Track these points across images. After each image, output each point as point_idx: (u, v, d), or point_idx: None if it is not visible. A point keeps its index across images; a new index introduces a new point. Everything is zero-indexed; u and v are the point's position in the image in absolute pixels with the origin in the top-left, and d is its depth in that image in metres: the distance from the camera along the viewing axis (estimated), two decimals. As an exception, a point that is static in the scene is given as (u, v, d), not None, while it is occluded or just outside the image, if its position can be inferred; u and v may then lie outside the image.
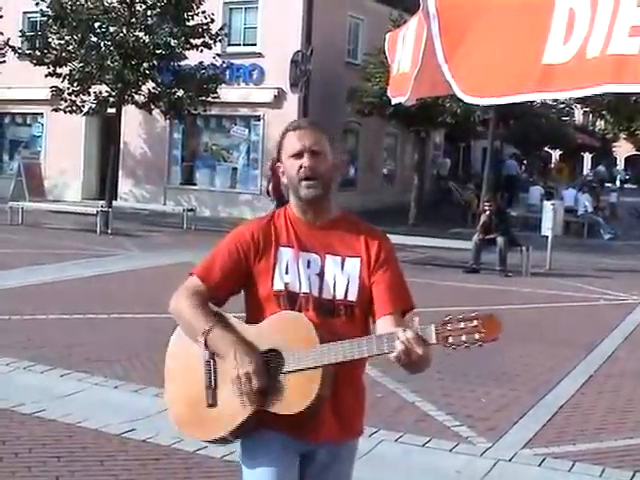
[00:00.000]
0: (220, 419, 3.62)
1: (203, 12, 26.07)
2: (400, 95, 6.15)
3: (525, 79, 4.43)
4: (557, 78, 4.28)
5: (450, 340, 3.33)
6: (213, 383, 3.62)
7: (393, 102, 6.75)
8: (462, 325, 3.33)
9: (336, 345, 3.48)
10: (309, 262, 3.72)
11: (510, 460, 7.22)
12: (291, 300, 3.67)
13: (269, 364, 3.55)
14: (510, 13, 4.54)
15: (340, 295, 3.70)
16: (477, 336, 3.31)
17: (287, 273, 3.70)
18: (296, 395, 3.51)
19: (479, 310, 3.40)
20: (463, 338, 3.32)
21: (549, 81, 4.32)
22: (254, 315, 3.74)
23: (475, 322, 3.32)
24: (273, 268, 3.71)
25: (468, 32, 4.68)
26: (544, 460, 7.24)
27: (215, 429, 3.66)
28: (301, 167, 3.67)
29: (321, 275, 3.72)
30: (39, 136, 35.68)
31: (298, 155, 3.69)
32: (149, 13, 25.84)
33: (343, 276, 3.71)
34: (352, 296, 3.70)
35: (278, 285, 3.69)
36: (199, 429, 3.73)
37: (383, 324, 3.65)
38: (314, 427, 3.64)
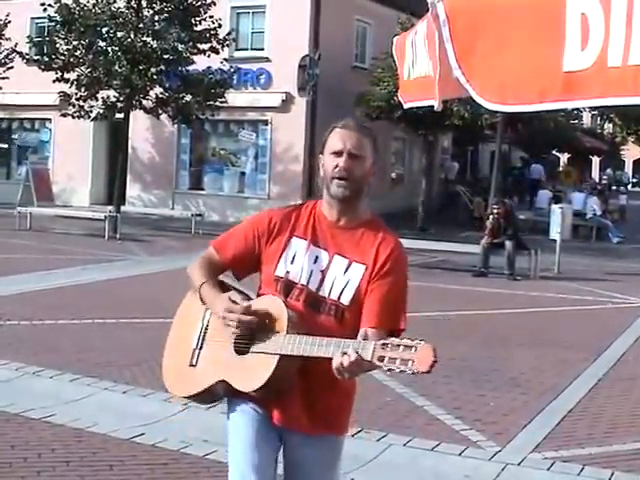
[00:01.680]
0: (195, 380, 3.85)
1: (211, 17, 26.12)
2: (417, 99, 6.13)
3: (548, 87, 4.39)
4: (580, 86, 4.25)
5: (385, 362, 3.31)
6: (200, 344, 3.87)
7: (406, 107, 6.74)
8: (399, 350, 3.29)
9: (298, 338, 3.56)
10: (317, 257, 3.81)
11: (519, 464, 7.21)
12: (287, 288, 3.80)
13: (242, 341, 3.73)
14: (522, 18, 4.50)
15: (334, 296, 3.76)
16: (409, 364, 3.26)
17: (292, 263, 3.82)
18: (251, 376, 3.65)
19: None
20: (397, 363, 3.28)
21: (572, 90, 4.29)
22: (258, 294, 3.91)
23: (412, 350, 3.27)
24: (280, 254, 3.84)
25: (480, 37, 4.66)
26: (553, 464, 7.22)
27: (189, 388, 3.89)
28: (337, 166, 3.74)
29: (324, 272, 3.79)
30: (47, 141, 35.76)
31: (337, 154, 3.75)
32: (157, 18, 25.90)
33: (343, 279, 3.77)
34: (345, 300, 3.75)
35: (280, 271, 3.82)
36: (178, 385, 3.96)
37: (360, 336, 3.60)
38: (280, 411, 3.79)
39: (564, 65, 4.26)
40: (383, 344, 3.33)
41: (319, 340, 3.52)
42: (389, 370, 3.31)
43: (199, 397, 3.91)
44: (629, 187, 70.63)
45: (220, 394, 3.88)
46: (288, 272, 3.80)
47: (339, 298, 3.75)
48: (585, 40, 4.18)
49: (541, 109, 4.76)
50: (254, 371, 3.64)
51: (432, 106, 5.51)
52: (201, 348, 3.86)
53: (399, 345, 3.29)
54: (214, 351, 3.80)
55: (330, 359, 3.49)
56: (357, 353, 3.36)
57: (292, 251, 3.83)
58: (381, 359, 3.31)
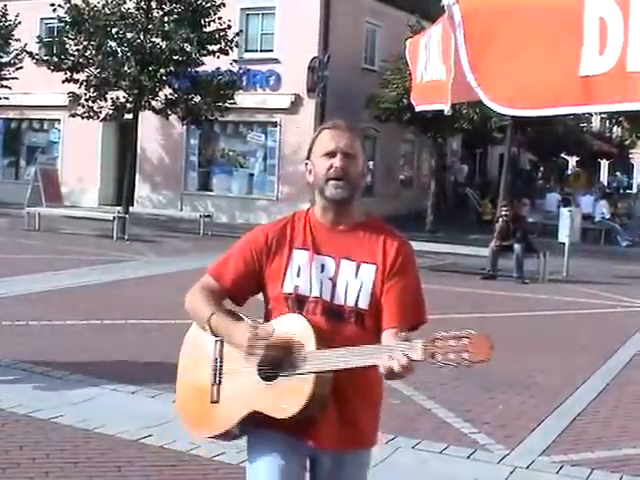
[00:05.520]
0: (221, 416, 3.66)
1: (220, 18, 26.12)
2: (429, 103, 6.13)
3: (563, 91, 4.37)
4: (597, 91, 4.22)
5: (437, 357, 3.21)
6: (218, 380, 3.67)
7: (417, 109, 6.74)
8: (451, 343, 3.21)
9: (331, 353, 3.43)
10: (323, 266, 3.67)
11: (528, 467, 7.19)
12: (300, 303, 3.64)
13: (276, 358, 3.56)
14: (539, 22, 4.47)
15: (351, 302, 3.63)
16: (465, 355, 3.18)
17: (299, 276, 3.67)
18: (288, 401, 3.48)
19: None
20: (451, 356, 3.19)
21: (589, 94, 4.25)
22: (267, 316, 3.75)
23: (465, 341, 3.20)
24: (285, 270, 3.69)
25: (495, 41, 4.64)
26: (562, 467, 7.20)
27: (216, 426, 3.71)
28: (331, 166, 3.62)
29: (334, 280, 3.65)
30: (56, 142, 35.81)
31: (330, 155, 3.64)
32: (166, 19, 25.92)
33: (356, 282, 3.64)
34: (363, 304, 3.63)
35: (288, 288, 3.67)
36: (202, 425, 3.79)
37: (386, 337, 3.56)
38: (314, 431, 3.60)
39: (581, 69, 4.23)
40: (432, 340, 3.22)
41: (357, 350, 3.40)
42: (442, 366, 3.21)
43: (228, 434, 3.72)
44: (634, 190, 70.41)
45: (246, 428, 3.70)
46: (297, 287, 3.65)
47: (356, 303, 3.62)
48: (603, 44, 4.14)
49: (555, 113, 4.73)
50: (290, 395, 3.47)
51: (442, 110, 5.50)
52: (220, 383, 3.67)
53: (449, 338, 3.21)
54: (237, 383, 3.61)
55: (364, 368, 3.42)
56: (407, 356, 3.24)
57: (296, 264, 3.69)
58: (432, 356, 3.21)
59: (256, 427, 3.65)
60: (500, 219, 20.73)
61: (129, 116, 26.82)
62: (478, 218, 34.38)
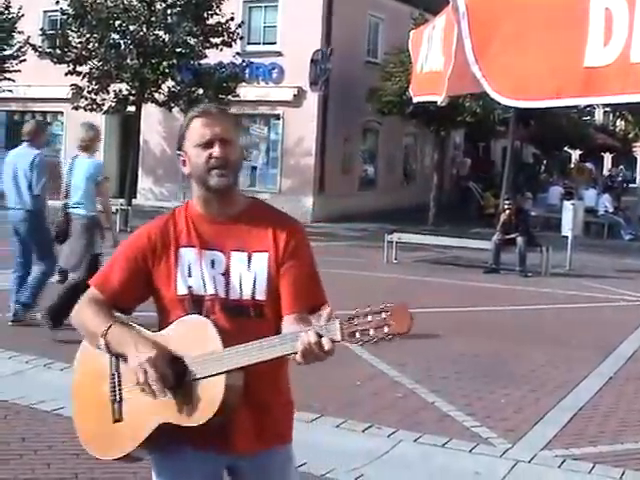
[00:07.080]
0: (127, 434, 3.43)
1: (222, 11, 26.09)
2: (425, 94, 6.12)
3: (567, 82, 4.34)
4: (601, 82, 4.19)
5: (357, 336, 3.05)
6: (118, 396, 3.45)
7: (414, 100, 6.73)
8: (369, 318, 3.06)
9: (238, 348, 3.23)
10: (213, 261, 3.48)
11: (530, 461, 7.18)
12: (197, 304, 3.44)
13: (173, 373, 3.32)
14: (543, 12, 4.45)
15: (247, 295, 3.45)
16: (386, 329, 3.03)
17: (190, 276, 3.47)
18: (200, 405, 3.28)
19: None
20: (371, 332, 3.05)
21: (592, 86, 4.23)
22: (162, 321, 3.56)
23: (383, 314, 3.04)
24: (174, 271, 3.49)
25: (499, 31, 4.62)
26: (564, 462, 7.19)
27: (123, 445, 3.46)
28: (210, 156, 3.41)
29: (226, 274, 3.47)
30: (59, 134, 35.77)
31: (208, 144, 3.43)
32: (169, 12, 25.90)
33: (250, 273, 3.46)
34: (260, 295, 3.45)
35: (181, 290, 3.47)
36: (108, 447, 3.51)
37: (287, 323, 3.40)
38: (231, 439, 3.44)
39: (585, 60, 4.21)
40: (349, 319, 3.07)
41: (267, 342, 3.21)
42: (363, 343, 3.06)
43: (137, 452, 3.47)
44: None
45: (152, 448, 3.47)
46: (190, 287, 3.45)
47: (253, 296, 3.45)
48: (608, 35, 4.12)
49: (559, 105, 4.71)
50: (202, 399, 3.26)
51: (437, 101, 5.50)
52: (121, 400, 3.43)
53: (367, 314, 3.06)
54: (140, 396, 3.33)
55: (277, 361, 3.27)
56: (320, 336, 3.08)
57: (185, 264, 3.47)
58: (352, 335, 3.06)
59: (163, 447, 3.48)
60: (503, 213, 20.72)
61: (132, 109, 26.86)
62: (480, 212, 34.35)
